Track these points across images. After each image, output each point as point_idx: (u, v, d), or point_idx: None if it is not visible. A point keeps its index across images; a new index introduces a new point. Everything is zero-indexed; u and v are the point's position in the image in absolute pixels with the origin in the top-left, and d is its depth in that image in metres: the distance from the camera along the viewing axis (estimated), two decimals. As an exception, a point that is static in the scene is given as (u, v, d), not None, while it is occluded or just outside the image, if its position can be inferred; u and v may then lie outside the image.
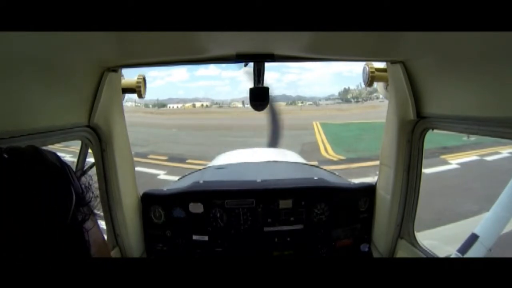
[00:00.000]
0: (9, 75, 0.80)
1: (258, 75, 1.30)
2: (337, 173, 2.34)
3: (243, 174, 2.07)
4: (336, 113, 23.05)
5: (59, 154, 0.48)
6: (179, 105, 34.67)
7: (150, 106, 32.26)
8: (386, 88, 1.50)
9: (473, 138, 8.29)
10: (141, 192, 1.65)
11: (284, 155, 3.29)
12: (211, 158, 3.65)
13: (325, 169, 2.42)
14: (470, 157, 8.05)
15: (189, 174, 2.32)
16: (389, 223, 1.52)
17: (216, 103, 36.01)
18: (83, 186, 0.47)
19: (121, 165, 1.41)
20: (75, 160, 1.37)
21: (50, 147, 1.01)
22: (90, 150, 1.36)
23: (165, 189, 1.77)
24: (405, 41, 0.95)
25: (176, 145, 12.34)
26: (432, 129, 1.33)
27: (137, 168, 1.74)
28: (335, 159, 9.99)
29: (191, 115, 26.27)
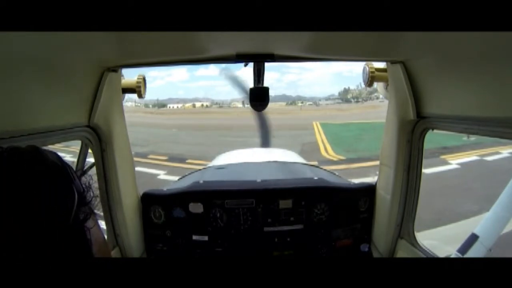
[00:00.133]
0: (9, 75, 0.80)
1: (258, 75, 1.30)
2: (337, 173, 2.34)
3: (243, 174, 2.07)
4: (336, 113, 23.04)
5: (59, 154, 0.48)
6: (179, 105, 34.67)
7: (150, 106, 32.25)
8: (386, 88, 1.50)
9: (473, 138, 8.29)
10: (141, 192, 1.65)
11: (284, 155, 3.29)
12: (211, 158, 3.65)
13: (325, 169, 2.42)
14: (470, 157, 8.05)
15: (189, 174, 2.32)
16: (389, 223, 1.52)
17: (216, 103, 36.00)
18: (84, 186, 0.48)
19: (121, 165, 1.41)
20: (75, 160, 1.37)
21: (50, 147, 1.01)
22: (90, 150, 1.36)
23: (165, 189, 1.77)
24: (405, 41, 0.95)
25: (176, 145, 12.33)
26: (432, 129, 1.32)
27: (137, 168, 1.74)
28: (335, 159, 9.99)
29: (191, 115, 26.26)
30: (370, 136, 12.26)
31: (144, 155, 10.01)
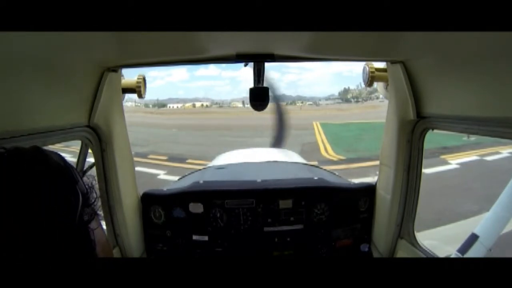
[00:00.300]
0: (9, 75, 0.80)
1: (258, 75, 1.30)
2: (337, 173, 2.34)
3: (243, 174, 2.07)
4: (336, 113, 23.06)
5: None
6: (179, 105, 34.67)
7: (150, 106, 32.26)
8: (386, 88, 1.50)
9: (473, 138, 8.30)
10: (141, 192, 1.65)
11: (284, 155, 3.29)
12: (211, 158, 3.65)
13: (325, 169, 2.42)
14: (470, 157, 8.05)
15: (189, 174, 2.31)
16: (389, 223, 1.52)
17: (216, 103, 36.01)
18: (87, 187, 0.48)
19: (121, 165, 1.41)
20: (75, 160, 1.37)
21: (51, 147, 1.01)
22: (90, 150, 1.36)
23: (165, 189, 1.77)
24: (405, 41, 0.95)
25: (176, 145, 12.34)
26: (432, 129, 1.32)
27: (137, 168, 1.74)
28: (335, 159, 9.99)
29: (191, 115, 26.27)
30: (370, 136, 12.27)
31: (144, 155, 10.01)
